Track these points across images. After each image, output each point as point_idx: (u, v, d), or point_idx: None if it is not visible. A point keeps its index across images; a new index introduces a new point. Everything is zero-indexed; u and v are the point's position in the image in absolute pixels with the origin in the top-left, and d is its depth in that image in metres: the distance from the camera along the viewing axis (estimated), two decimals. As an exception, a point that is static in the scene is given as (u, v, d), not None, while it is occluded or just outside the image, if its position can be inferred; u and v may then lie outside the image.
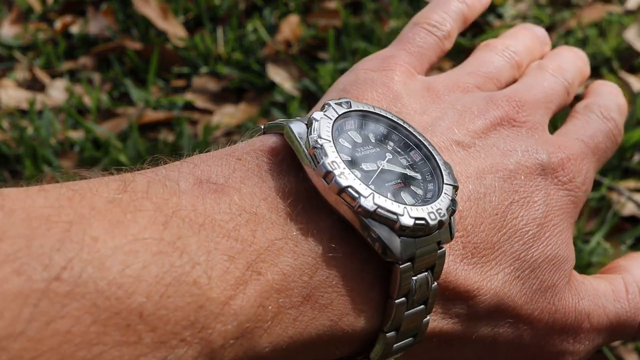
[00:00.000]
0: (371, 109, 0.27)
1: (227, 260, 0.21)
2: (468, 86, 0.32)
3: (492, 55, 0.34)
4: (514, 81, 0.34)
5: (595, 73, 1.19)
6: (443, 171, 0.26)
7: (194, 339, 0.20)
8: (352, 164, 0.25)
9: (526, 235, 0.28)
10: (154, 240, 0.20)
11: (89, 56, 1.28)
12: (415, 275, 0.25)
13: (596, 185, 0.95)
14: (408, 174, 0.26)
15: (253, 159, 0.25)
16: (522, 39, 0.35)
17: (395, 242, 0.24)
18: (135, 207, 0.20)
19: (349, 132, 0.26)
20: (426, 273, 0.25)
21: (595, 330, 0.30)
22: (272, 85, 1.17)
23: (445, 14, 0.34)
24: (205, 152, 0.26)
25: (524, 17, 1.36)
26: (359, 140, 0.26)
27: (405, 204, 0.25)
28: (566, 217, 0.29)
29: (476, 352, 0.28)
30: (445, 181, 0.26)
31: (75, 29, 1.34)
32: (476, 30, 1.31)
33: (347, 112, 0.26)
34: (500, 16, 1.36)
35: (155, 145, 1.04)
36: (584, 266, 0.82)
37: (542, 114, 0.31)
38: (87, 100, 1.16)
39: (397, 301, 0.25)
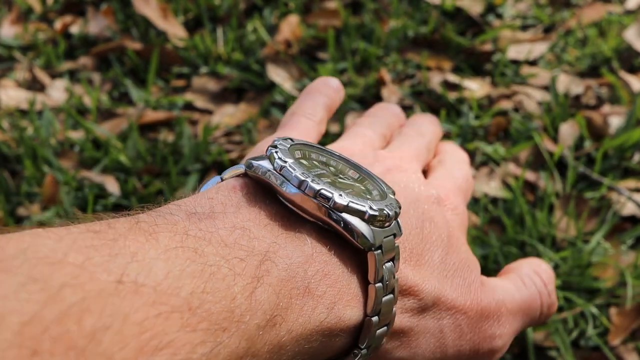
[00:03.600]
0: (308, 142, 0.33)
1: (241, 262, 0.25)
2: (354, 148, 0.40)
3: (362, 130, 0.41)
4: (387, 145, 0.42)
5: (595, 73, 1.19)
6: (381, 181, 0.33)
7: (234, 329, 0.23)
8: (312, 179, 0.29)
9: (440, 246, 0.34)
10: (182, 249, 0.23)
11: (89, 56, 1.27)
12: (386, 262, 0.29)
13: (596, 185, 0.95)
14: (354, 184, 0.32)
15: (224, 197, 0.29)
16: (384, 116, 0.43)
17: (368, 230, 0.28)
18: (153, 230, 0.24)
19: (299, 160, 0.31)
20: (390, 263, 0.30)
21: (511, 314, 0.36)
22: (272, 85, 1.17)
23: (316, 104, 0.42)
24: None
25: (523, 17, 1.36)
26: (307, 164, 0.31)
27: (369, 199, 0.30)
28: (462, 234, 0.37)
29: (429, 345, 0.33)
30: (385, 187, 0.32)
31: (75, 29, 1.34)
32: (476, 30, 1.31)
33: (292, 145, 0.31)
34: (500, 16, 1.36)
35: (155, 145, 1.04)
36: (584, 266, 0.82)
37: (416, 165, 0.39)
38: (87, 100, 1.16)
39: (376, 285, 0.29)
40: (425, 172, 0.41)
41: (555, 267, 0.83)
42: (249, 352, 0.24)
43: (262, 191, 0.29)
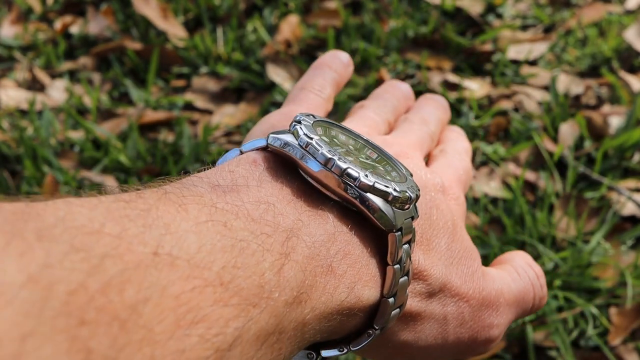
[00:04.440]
0: (328, 120, 0.32)
1: (268, 238, 0.24)
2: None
3: (368, 114, 0.40)
4: (391, 131, 0.42)
5: (595, 73, 1.19)
6: (399, 163, 0.32)
7: (264, 304, 0.23)
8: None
9: (446, 233, 0.34)
10: (212, 222, 0.23)
11: (89, 56, 1.27)
12: (404, 244, 0.29)
13: (596, 185, 0.95)
14: (375, 164, 0.31)
15: (245, 171, 0.28)
16: (391, 99, 0.43)
17: (391, 211, 0.28)
18: (182, 202, 0.24)
19: (322, 137, 0.30)
20: (408, 245, 0.30)
21: (507, 304, 0.36)
22: (272, 85, 1.17)
23: (324, 80, 0.41)
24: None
25: (523, 17, 1.36)
26: (329, 141, 0.31)
27: (393, 180, 0.30)
28: (463, 223, 0.37)
29: (433, 331, 0.33)
30: (404, 170, 0.32)
31: (75, 29, 1.34)
32: (476, 30, 1.31)
33: (315, 121, 0.31)
34: (500, 16, 1.36)
35: (155, 145, 1.04)
36: (584, 266, 0.82)
37: (419, 153, 0.38)
38: (87, 101, 1.16)
39: (394, 267, 0.29)
40: (427, 161, 0.41)
41: (555, 267, 0.83)
42: (277, 328, 0.24)
43: (283, 166, 0.29)
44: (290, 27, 1.27)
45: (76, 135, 1.08)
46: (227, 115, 1.12)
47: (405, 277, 0.30)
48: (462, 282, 0.34)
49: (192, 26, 1.34)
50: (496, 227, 0.89)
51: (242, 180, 0.27)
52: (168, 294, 0.20)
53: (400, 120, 0.42)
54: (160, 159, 1.01)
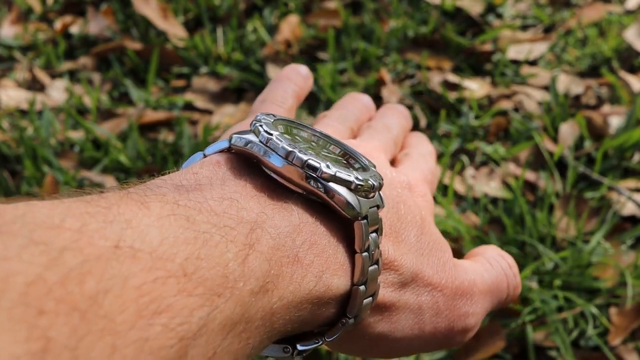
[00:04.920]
0: (289, 118, 0.33)
1: (232, 230, 0.25)
2: None
3: (331, 123, 0.41)
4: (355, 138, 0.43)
5: (595, 73, 1.19)
6: (362, 156, 0.33)
7: (228, 294, 0.23)
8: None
9: (415, 226, 0.34)
10: (174, 217, 0.24)
11: (89, 56, 1.27)
12: (371, 233, 0.30)
13: (596, 185, 0.95)
14: (338, 158, 0.32)
15: (208, 171, 0.29)
16: (352, 109, 0.44)
17: (355, 200, 0.29)
18: (144, 200, 0.24)
19: (283, 134, 0.31)
20: (374, 234, 0.30)
21: (482, 293, 0.37)
22: (272, 85, 1.17)
23: (285, 92, 0.42)
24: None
25: (523, 17, 1.36)
26: (290, 138, 0.31)
27: (354, 169, 0.30)
28: (431, 218, 0.38)
29: (409, 321, 0.34)
30: (367, 162, 0.32)
31: (75, 29, 1.34)
32: (476, 30, 1.31)
33: (275, 120, 0.31)
34: (500, 16, 1.36)
35: (155, 145, 1.04)
36: (584, 266, 0.82)
37: (384, 156, 0.39)
38: (87, 101, 1.16)
39: (362, 255, 0.29)
40: (392, 165, 0.42)
41: (555, 267, 0.83)
42: (244, 317, 0.24)
43: (246, 165, 0.30)
44: (290, 27, 1.27)
45: (76, 135, 1.08)
46: (227, 115, 1.12)
47: (375, 266, 0.30)
48: (434, 272, 0.34)
49: (192, 26, 1.34)
50: (496, 227, 0.89)
51: (206, 180, 0.28)
52: (130, 285, 0.20)
53: (363, 128, 0.43)
54: (160, 159, 1.01)
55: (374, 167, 0.33)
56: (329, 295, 0.29)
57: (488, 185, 0.96)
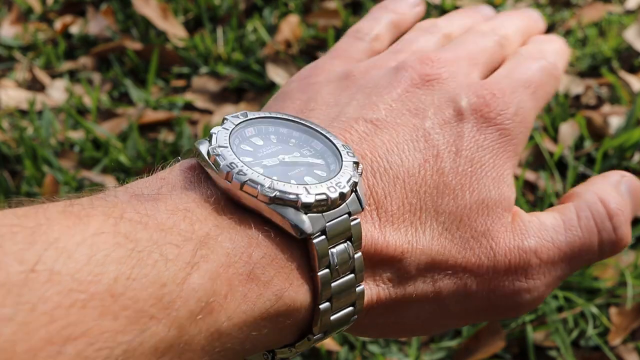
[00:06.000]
0: (268, 115, 0.30)
1: (176, 248, 0.23)
2: (387, 63, 0.34)
3: (420, 33, 0.35)
4: None
5: (596, 73, 1.19)
6: (342, 152, 0.29)
7: (162, 316, 0.22)
8: (253, 163, 0.28)
9: (448, 188, 0.29)
10: (111, 234, 0.22)
11: (89, 56, 1.27)
12: (333, 247, 0.27)
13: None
14: (310, 161, 0.29)
15: (175, 177, 0.27)
16: (457, 18, 0.36)
17: (302, 220, 0.26)
18: (86, 214, 0.23)
19: (250, 139, 0.29)
20: (345, 244, 0.27)
21: (547, 263, 0.30)
22: (272, 85, 1.17)
23: (374, 21, 0.37)
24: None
25: (524, 17, 1.36)
26: (260, 143, 0.29)
27: (307, 184, 0.27)
28: (498, 154, 0.30)
29: (424, 310, 0.30)
30: (344, 159, 0.28)
31: (75, 29, 1.34)
32: (476, 30, 1.31)
33: (244, 121, 0.29)
34: (500, 16, 1.36)
35: (155, 145, 1.04)
36: (584, 266, 0.82)
37: (464, 66, 0.31)
38: (87, 101, 1.16)
39: (319, 274, 0.27)
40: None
41: (555, 267, 0.83)
42: (182, 339, 0.23)
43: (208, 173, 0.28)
44: (290, 27, 1.27)
45: (76, 135, 1.08)
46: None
47: (350, 276, 0.28)
48: (460, 249, 0.29)
49: (192, 26, 1.34)
50: (496, 227, 0.89)
51: (168, 188, 0.26)
52: (38, 312, 0.19)
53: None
54: (160, 159, 1.02)
55: (356, 164, 0.28)
56: (291, 313, 0.27)
57: (488, 185, 0.96)
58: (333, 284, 0.27)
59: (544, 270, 0.30)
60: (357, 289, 0.28)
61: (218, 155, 0.27)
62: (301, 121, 0.30)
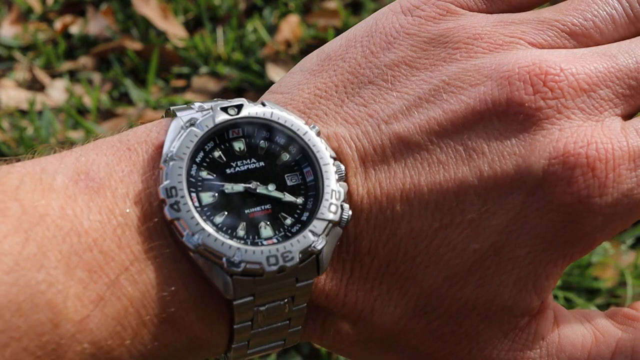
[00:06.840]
0: (267, 116, 0.23)
1: (88, 277, 0.20)
2: (505, 41, 0.23)
3: (589, 4, 0.24)
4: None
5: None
6: (323, 200, 0.22)
7: (47, 358, 0.20)
8: (209, 185, 0.23)
9: (451, 270, 0.22)
10: (12, 255, 0.19)
11: (89, 56, 1.28)
12: (262, 306, 0.23)
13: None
14: (283, 199, 0.23)
15: (142, 151, 0.23)
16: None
17: (225, 281, 0.22)
18: (0, 212, 0.20)
19: (233, 142, 0.23)
20: (280, 302, 0.23)
21: None
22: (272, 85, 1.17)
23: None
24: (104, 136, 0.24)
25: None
26: (242, 148, 0.23)
27: (246, 242, 0.22)
28: (545, 249, 0.21)
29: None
30: (318, 214, 0.22)
31: (75, 29, 1.34)
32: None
33: (234, 119, 0.23)
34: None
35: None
36: (584, 266, 0.82)
37: (604, 94, 0.20)
38: (87, 101, 1.16)
39: (236, 327, 0.23)
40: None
41: (555, 267, 0.83)
42: None
43: None
44: (290, 27, 1.27)
45: (76, 135, 1.08)
46: (227, 115, 1.12)
47: (283, 323, 0.24)
48: (431, 342, 0.23)
49: (192, 26, 1.34)
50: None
51: (121, 171, 0.22)
52: None
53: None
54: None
55: (332, 224, 0.22)
56: (207, 349, 0.24)
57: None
58: (254, 332, 0.24)
59: None
60: (290, 330, 0.24)
61: (166, 167, 0.22)
62: (304, 137, 0.23)
